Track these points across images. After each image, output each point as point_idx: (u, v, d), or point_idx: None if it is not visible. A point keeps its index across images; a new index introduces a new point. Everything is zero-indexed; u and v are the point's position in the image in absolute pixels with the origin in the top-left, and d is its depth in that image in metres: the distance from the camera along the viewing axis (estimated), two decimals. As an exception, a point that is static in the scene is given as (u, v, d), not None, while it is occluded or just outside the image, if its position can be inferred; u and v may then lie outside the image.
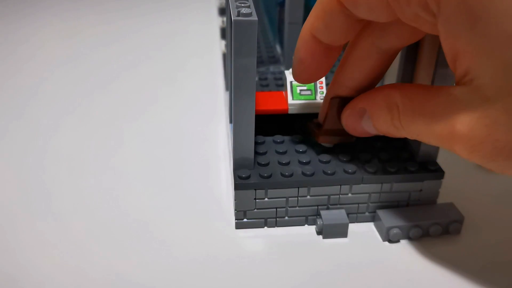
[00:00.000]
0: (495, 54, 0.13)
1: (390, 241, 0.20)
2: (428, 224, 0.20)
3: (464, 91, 0.14)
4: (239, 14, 0.17)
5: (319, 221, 0.20)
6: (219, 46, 0.38)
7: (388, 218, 0.20)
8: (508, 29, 0.12)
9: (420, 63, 0.20)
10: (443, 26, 0.14)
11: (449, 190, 0.23)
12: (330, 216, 0.20)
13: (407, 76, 0.21)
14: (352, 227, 0.21)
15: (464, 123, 0.14)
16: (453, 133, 0.14)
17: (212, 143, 0.26)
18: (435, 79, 0.19)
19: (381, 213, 0.20)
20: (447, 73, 0.19)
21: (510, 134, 0.13)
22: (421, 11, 0.14)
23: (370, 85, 0.19)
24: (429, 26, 0.14)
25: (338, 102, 0.19)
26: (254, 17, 0.17)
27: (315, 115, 0.21)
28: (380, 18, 0.16)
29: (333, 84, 0.19)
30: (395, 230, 0.20)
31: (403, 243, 0.20)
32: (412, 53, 0.20)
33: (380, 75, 0.19)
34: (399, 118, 0.16)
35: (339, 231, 0.20)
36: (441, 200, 0.22)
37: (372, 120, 0.18)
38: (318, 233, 0.21)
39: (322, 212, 0.20)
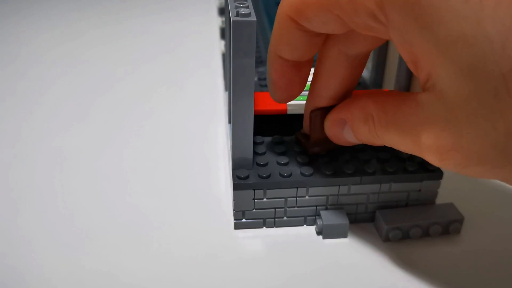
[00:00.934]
0: (448, 57, 0.12)
1: (390, 241, 0.20)
2: (428, 224, 0.20)
3: (428, 98, 0.14)
4: (237, 14, 0.17)
5: (319, 221, 0.20)
6: (219, 46, 0.38)
7: (387, 218, 0.20)
8: (455, 29, 0.12)
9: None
10: (395, 34, 0.14)
11: (448, 190, 0.23)
12: (330, 216, 0.20)
13: (406, 75, 0.21)
14: (352, 227, 0.21)
15: (430, 132, 0.14)
16: (421, 144, 0.14)
17: (211, 143, 0.26)
18: None
19: (380, 213, 0.20)
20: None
21: (474, 142, 0.13)
22: (371, 22, 0.14)
23: (347, 92, 0.19)
24: (384, 34, 0.14)
25: (319, 114, 0.19)
26: (253, 17, 0.17)
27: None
28: (335, 30, 0.16)
29: (310, 95, 0.19)
30: (395, 230, 0.20)
31: (403, 243, 0.20)
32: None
33: (355, 81, 0.19)
34: (375, 129, 0.16)
35: (339, 231, 0.20)
36: (440, 200, 0.22)
37: (352, 131, 0.18)
38: (318, 233, 0.20)
39: (322, 212, 0.20)
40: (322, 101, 0.19)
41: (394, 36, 0.14)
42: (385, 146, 0.22)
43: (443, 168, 0.14)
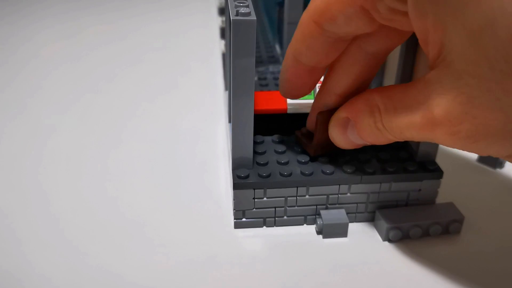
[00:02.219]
0: (458, 22, 0.13)
1: (390, 241, 0.20)
2: (428, 224, 0.20)
3: (437, 73, 0.14)
4: (237, 14, 0.17)
5: (319, 221, 0.20)
6: (219, 46, 0.38)
7: (388, 218, 0.20)
8: None
9: (419, 65, 0.20)
10: (412, 9, 0.14)
11: (449, 190, 0.23)
12: (330, 215, 0.20)
13: (406, 77, 0.21)
14: (352, 227, 0.21)
15: (441, 105, 0.14)
16: (432, 119, 0.14)
17: (212, 143, 0.26)
18: None
19: (381, 212, 0.20)
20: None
21: (486, 110, 0.13)
22: (392, 2, 0.14)
23: (358, 91, 0.19)
24: (405, 22, 0.15)
25: (325, 116, 0.19)
26: (253, 17, 0.17)
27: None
28: (359, 28, 0.16)
29: (321, 91, 0.19)
30: (395, 230, 0.20)
31: (403, 243, 0.20)
32: (410, 54, 0.20)
33: (368, 80, 0.19)
34: (381, 119, 0.16)
35: (339, 231, 0.20)
36: (440, 199, 0.22)
37: (356, 129, 0.18)
38: (318, 232, 0.20)
39: (322, 212, 0.20)
40: (332, 98, 0.19)
41: (411, 12, 0.14)
42: (385, 146, 0.22)
43: (452, 146, 0.14)
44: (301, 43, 0.17)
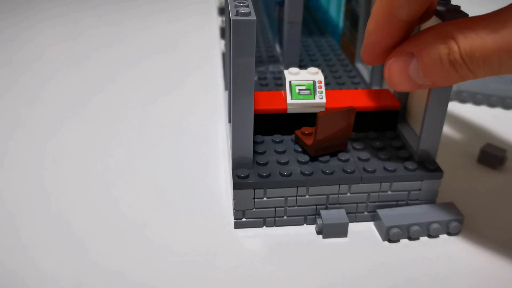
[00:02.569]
0: None
1: (390, 241, 0.20)
2: (428, 223, 0.20)
3: None
4: (237, 14, 0.17)
5: (319, 221, 0.20)
6: (219, 46, 0.38)
7: (388, 217, 0.20)
8: None
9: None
10: None
11: (449, 190, 0.23)
12: (330, 215, 0.20)
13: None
14: (352, 227, 0.21)
15: None
16: None
17: (212, 143, 0.26)
18: None
19: (381, 212, 0.20)
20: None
21: None
22: None
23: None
24: None
25: (326, 116, 0.19)
26: (253, 17, 0.17)
27: (314, 115, 0.21)
28: None
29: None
30: (395, 230, 0.20)
31: (403, 242, 0.20)
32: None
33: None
34: (459, 49, 0.15)
35: (339, 231, 0.20)
36: (441, 199, 0.22)
37: (421, 65, 0.16)
38: (318, 232, 0.20)
39: (322, 212, 0.20)
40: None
41: None
42: (384, 146, 0.22)
43: None
44: None
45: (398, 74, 0.17)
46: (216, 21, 0.43)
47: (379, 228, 0.20)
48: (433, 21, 0.19)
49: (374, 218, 0.21)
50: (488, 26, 0.14)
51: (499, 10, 0.15)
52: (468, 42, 0.15)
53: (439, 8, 0.18)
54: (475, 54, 0.15)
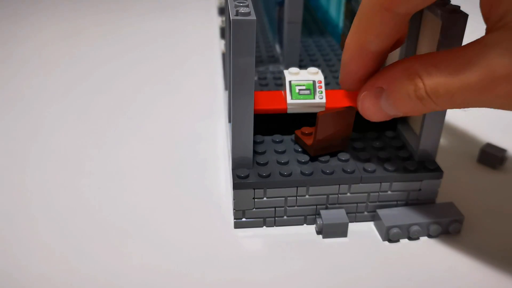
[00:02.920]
0: None
1: (390, 241, 0.20)
2: (428, 223, 0.20)
3: (498, 35, 0.14)
4: (237, 14, 0.17)
5: (319, 221, 0.20)
6: (219, 45, 0.38)
7: (388, 217, 0.20)
8: None
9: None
10: None
11: (449, 190, 0.23)
12: (330, 215, 0.20)
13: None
14: (352, 227, 0.21)
15: (505, 64, 0.14)
16: (494, 78, 0.14)
17: (212, 142, 0.26)
18: None
19: (381, 212, 0.20)
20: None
21: None
22: None
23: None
24: None
25: (326, 116, 0.19)
26: (253, 17, 0.17)
27: (314, 115, 0.21)
28: None
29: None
30: (395, 230, 0.20)
31: (403, 242, 0.20)
32: (411, 45, 0.20)
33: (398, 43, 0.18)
34: (424, 86, 0.15)
35: (339, 231, 0.20)
36: (441, 199, 0.22)
37: (391, 99, 0.17)
38: (318, 232, 0.20)
39: (322, 212, 0.20)
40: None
41: None
42: (384, 146, 0.22)
43: (510, 105, 0.14)
44: (369, 32, 0.17)
45: (370, 107, 0.18)
46: (216, 21, 0.43)
47: (379, 228, 0.20)
48: (432, 22, 0.19)
49: (374, 218, 0.21)
50: (452, 65, 0.15)
51: (462, 48, 0.15)
52: (432, 80, 0.15)
53: (438, 8, 0.18)
54: (440, 92, 0.15)
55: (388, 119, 0.18)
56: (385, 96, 0.17)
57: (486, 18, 0.15)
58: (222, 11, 0.41)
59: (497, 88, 0.14)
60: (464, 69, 0.15)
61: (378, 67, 0.18)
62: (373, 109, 0.18)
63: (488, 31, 0.15)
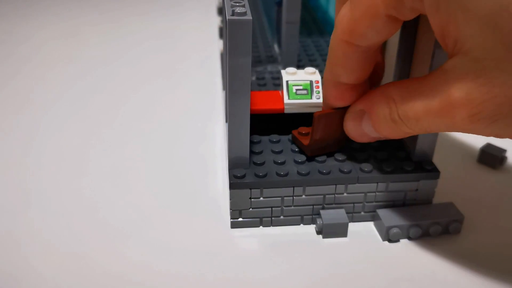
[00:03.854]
0: (470, 13, 0.13)
1: (390, 241, 0.20)
2: (428, 223, 0.20)
3: (455, 61, 0.14)
4: (233, 13, 0.17)
5: (318, 221, 0.20)
6: (218, 45, 0.38)
7: (388, 217, 0.20)
8: None
9: (416, 62, 0.20)
10: (428, 6, 0.14)
11: (449, 190, 0.23)
12: (330, 215, 0.20)
13: (404, 76, 0.21)
14: (352, 227, 0.21)
15: (461, 89, 0.14)
16: (452, 102, 0.14)
17: (209, 142, 0.26)
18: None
19: (381, 212, 0.20)
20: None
21: (505, 87, 0.13)
22: (416, 4, 0.15)
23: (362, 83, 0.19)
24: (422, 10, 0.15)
25: (323, 116, 0.19)
26: (249, 16, 0.17)
27: (311, 115, 0.21)
28: (388, 32, 0.16)
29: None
30: (395, 230, 0.20)
31: (403, 242, 0.20)
32: (407, 53, 0.20)
33: (367, 72, 0.19)
34: (397, 110, 0.16)
35: (339, 231, 0.20)
36: (440, 199, 0.22)
37: (371, 121, 0.18)
38: (318, 232, 0.20)
39: (322, 212, 0.20)
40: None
41: (427, 9, 0.14)
42: (382, 146, 0.22)
43: (471, 129, 0.15)
44: (337, 66, 0.18)
45: (354, 130, 0.19)
46: (215, 21, 0.43)
47: (379, 228, 0.20)
48: (429, 26, 0.19)
49: (373, 218, 0.21)
50: (419, 90, 0.16)
51: (431, 74, 0.16)
52: (404, 104, 0.16)
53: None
54: (409, 115, 0.16)
55: (372, 141, 0.19)
56: (366, 119, 0.18)
57: (444, 46, 0.15)
58: (221, 11, 0.41)
59: (456, 112, 0.14)
60: (428, 94, 0.15)
61: (358, 96, 0.19)
62: (357, 131, 0.19)
63: (449, 56, 0.15)
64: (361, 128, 0.19)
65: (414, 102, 0.16)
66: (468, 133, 0.15)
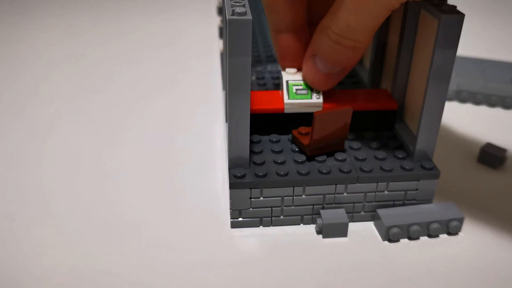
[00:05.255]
0: None
1: (390, 241, 0.20)
2: (428, 223, 0.20)
3: None
4: (233, 13, 0.17)
5: (319, 220, 0.20)
6: (218, 45, 0.38)
7: (388, 217, 0.20)
8: None
9: (416, 62, 0.20)
10: None
11: (449, 190, 0.23)
12: (330, 215, 0.20)
13: (403, 75, 0.21)
14: (352, 227, 0.21)
15: None
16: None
17: (210, 142, 0.26)
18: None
19: (381, 212, 0.20)
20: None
21: None
22: None
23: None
24: None
25: (322, 116, 0.19)
26: (249, 16, 0.17)
27: (311, 114, 0.21)
28: None
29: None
30: (395, 229, 0.20)
31: (403, 242, 0.20)
32: (409, 45, 0.20)
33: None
34: (333, 31, 0.19)
35: (339, 231, 0.20)
36: (440, 199, 0.22)
37: (322, 57, 0.20)
38: (318, 232, 0.20)
39: (322, 212, 0.20)
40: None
41: None
42: (382, 146, 0.22)
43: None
44: (271, 13, 0.21)
45: (312, 74, 0.21)
46: (216, 21, 0.43)
47: (379, 228, 0.20)
48: (429, 22, 0.19)
49: (373, 217, 0.21)
50: (337, 4, 0.19)
51: None
52: (334, 22, 0.19)
53: (435, 8, 0.18)
54: (341, 26, 0.19)
55: (333, 81, 0.21)
56: (318, 60, 0.20)
57: None
58: (221, 10, 0.41)
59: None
60: (341, 2, 0.19)
61: (304, 45, 0.21)
62: (315, 74, 0.21)
63: None
64: (317, 69, 0.20)
65: (339, 15, 0.19)
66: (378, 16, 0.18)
